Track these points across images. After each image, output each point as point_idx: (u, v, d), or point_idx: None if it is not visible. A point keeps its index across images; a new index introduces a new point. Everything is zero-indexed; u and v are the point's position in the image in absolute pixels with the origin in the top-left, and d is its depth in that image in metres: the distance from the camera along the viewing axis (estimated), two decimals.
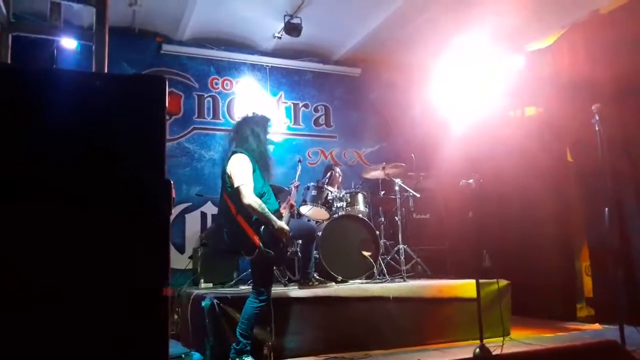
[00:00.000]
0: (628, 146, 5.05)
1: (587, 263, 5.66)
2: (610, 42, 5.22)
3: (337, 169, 5.89)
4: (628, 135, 5.01)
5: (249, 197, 3.52)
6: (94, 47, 2.61)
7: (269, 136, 3.91)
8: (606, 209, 3.90)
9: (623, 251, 4.84)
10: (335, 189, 5.58)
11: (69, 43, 3.36)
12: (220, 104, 6.64)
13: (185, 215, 6.17)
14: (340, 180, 5.84)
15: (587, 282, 5.63)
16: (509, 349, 3.55)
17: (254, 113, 4.02)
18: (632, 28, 5.00)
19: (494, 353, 3.46)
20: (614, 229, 4.09)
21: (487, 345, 3.55)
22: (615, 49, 5.14)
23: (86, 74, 2.06)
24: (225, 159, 3.81)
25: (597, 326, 5.09)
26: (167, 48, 6.39)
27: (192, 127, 6.44)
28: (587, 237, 5.64)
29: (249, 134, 3.80)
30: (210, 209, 6.24)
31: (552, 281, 5.72)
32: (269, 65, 6.90)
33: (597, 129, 3.96)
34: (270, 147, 3.94)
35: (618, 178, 4.86)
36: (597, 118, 3.96)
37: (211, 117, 6.57)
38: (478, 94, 6.23)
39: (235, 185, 3.56)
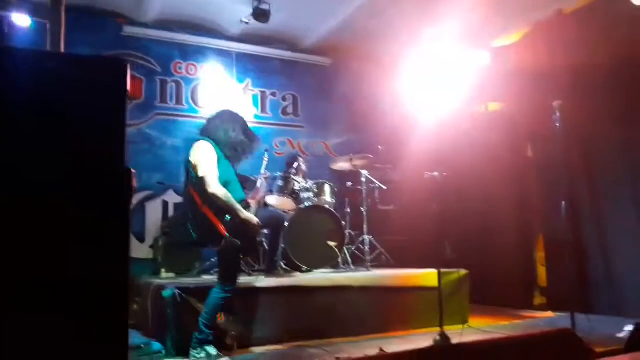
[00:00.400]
0: (586, 142, 5.21)
1: (542, 254, 5.85)
2: (571, 41, 5.35)
3: (301, 159, 5.86)
4: (586, 132, 5.16)
5: (214, 187, 3.46)
6: (48, 26, 2.48)
7: (241, 138, 3.84)
8: (563, 202, 4.03)
9: (576, 243, 5.02)
10: (306, 180, 5.57)
11: (21, 20, 3.19)
12: (184, 89, 6.48)
13: (146, 204, 6.02)
14: (304, 170, 5.82)
15: (542, 272, 5.83)
16: (468, 336, 3.63)
17: (230, 111, 3.94)
18: (593, 28, 5.14)
19: (453, 340, 3.53)
20: (569, 222, 4.23)
21: (447, 332, 3.63)
22: (576, 48, 5.27)
23: (40, 53, 1.95)
24: (189, 147, 3.74)
25: (550, 314, 5.29)
26: (128, 30, 6.18)
27: (154, 113, 6.27)
28: (542, 229, 5.82)
29: (220, 127, 3.74)
30: (172, 197, 6.12)
31: (510, 271, 5.89)
32: (236, 51, 6.77)
33: (557, 125, 4.07)
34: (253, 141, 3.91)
35: (574, 173, 5.04)
36: (558, 114, 4.07)
37: (174, 102, 6.40)
38: (444, 88, 6.29)
39: (200, 175, 3.50)
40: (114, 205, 1.54)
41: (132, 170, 1.60)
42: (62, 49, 2.46)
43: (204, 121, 3.94)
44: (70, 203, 1.50)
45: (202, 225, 3.54)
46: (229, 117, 3.86)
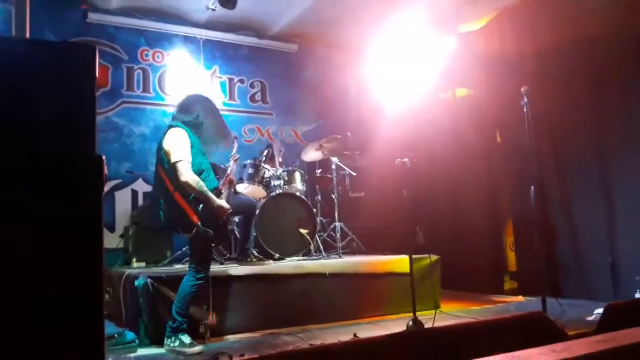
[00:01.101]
0: (553, 127, 5.31)
1: (511, 238, 5.96)
2: (537, 26, 5.42)
3: (277, 146, 5.82)
4: (553, 117, 5.27)
5: (187, 175, 3.41)
6: (13, 11, 2.39)
7: (213, 122, 3.79)
8: (532, 187, 4.11)
9: (545, 227, 5.14)
10: (277, 167, 5.54)
11: None
12: (151, 76, 6.36)
13: (115, 193, 5.91)
14: (281, 157, 5.78)
15: (511, 257, 5.94)
16: (440, 321, 3.69)
17: (204, 96, 3.88)
18: (559, 13, 5.22)
19: (426, 325, 3.59)
20: (538, 207, 4.32)
21: (420, 318, 3.69)
22: (542, 33, 5.35)
23: (5, 39, 1.87)
24: (162, 133, 3.67)
25: (520, 298, 5.40)
26: (93, 17, 6.01)
27: (120, 101, 6.14)
28: (511, 214, 5.93)
29: (192, 113, 3.67)
30: (141, 186, 6.02)
31: (480, 256, 5.97)
32: (203, 37, 6.67)
33: (524, 110, 4.13)
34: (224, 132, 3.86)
35: (541, 158, 5.14)
36: (525, 100, 4.14)
37: (141, 90, 6.28)
38: (411, 74, 6.33)
39: (172, 161, 3.44)
40: (87, 193, 1.50)
41: (103, 157, 1.56)
42: (28, 36, 2.37)
43: (176, 106, 3.87)
44: (41, 190, 1.46)
45: (173, 211, 3.50)
46: (201, 102, 3.80)
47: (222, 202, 3.59)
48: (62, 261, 1.46)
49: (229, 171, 4.15)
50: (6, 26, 2.62)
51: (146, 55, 6.35)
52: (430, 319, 3.72)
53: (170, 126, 3.63)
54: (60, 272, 1.45)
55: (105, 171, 1.60)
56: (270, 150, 5.72)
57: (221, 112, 6.47)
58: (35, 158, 1.47)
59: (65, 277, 1.45)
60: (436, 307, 4.51)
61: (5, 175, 1.45)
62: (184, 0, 6.13)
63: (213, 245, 3.83)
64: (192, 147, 3.54)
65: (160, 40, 6.44)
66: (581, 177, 5.11)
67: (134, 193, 6.02)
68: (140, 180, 5.99)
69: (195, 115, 3.68)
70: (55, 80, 1.52)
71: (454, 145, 6.16)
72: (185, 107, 3.74)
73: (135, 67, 6.27)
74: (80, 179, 1.50)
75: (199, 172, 3.51)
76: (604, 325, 2.84)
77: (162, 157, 3.54)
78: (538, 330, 2.39)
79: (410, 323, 3.64)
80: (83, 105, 1.53)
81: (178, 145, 3.49)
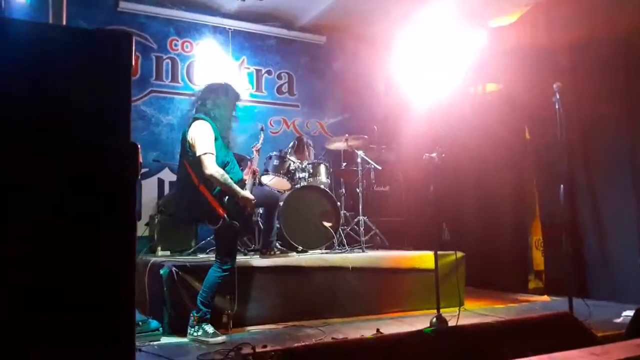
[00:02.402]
0: (585, 124, 5.18)
1: (537, 237, 5.85)
2: (571, 21, 5.29)
3: (305, 140, 5.81)
4: (585, 113, 5.14)
5: (212, 168, 3.43)
6: (50, 1, 2.42)
7: (233, 112, 3.78)
8: (561, 186, 4.01)
9: (573, 226, 5.03)
10: (306, 159, 5.54)
11: None
12: (180, 66, 6.40)
13: (142, 182, 5.98)
14: (309, 151, 5.76)
15: (537, 256, 5.83)
16: (464, 319, 3.64)
17: (225, 83, 3.86)
18: (593, 7, 5.08)
19: (450, 323, 3.55)
20: (566, 205, 4.22)
21: (444, 315, 3.64)
22: (575, 28, 5.22)
23: (43, 25, 1.88)
24: (186, 125, 3.69)
25: (545, 298, 5.31)
26: (124, 5, 6.07)
27: (149, 90, 6.20)
28: (539, 212, 5.82)
29: (214, 102, 3.67)
30: (167, 175, 6.08)
31: (505, 254, 5.88)
32: (232, 28, 6.67)
33: (556, 107, 4.03)
34: (235, 120, 3.84)
35: (571, 155, 5.02)
36: (558, 97, 4.03)
37: (170, 80, 6.33)
38: (441, 67, 6.24)
39: (198, 154, 3.46)
40: (123, 181, 1.51)
41: (138, 146, 1.57)
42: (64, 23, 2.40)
43: (196, 97, 3.86)
44: (78, 179, 1.47)
45: (199, 204, 3.52)
46: (216, 91, 3.77)
47: (247, 193, 3.60)
48: (97, 249, 1.47)
49: (252, 162, 4.16)
50: (39, 16, 2.64)
51: (175, 45, 6.39)
52: (454, 317, 3.66)
53: (195, 118, 3.64)
54: (95, 261, 1.47)
55: (140, 159, 1.61)
56: (297, 142, 5.71)
57: (248, 104, 6.60)
58: (73, 146, 1.48)
59: (100, 266, 1.47)
60: (460, 304, 4.45)
61: (44, 163, 1.46)
62: None
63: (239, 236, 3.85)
64: (216, 139, 3.54)
65: (190, 30, 6.47)
66: (612, 174, 4.99)
67: (160, 182, 6.09)
68: (166, 169, 6.05)
69: (217, 106, 3.68)
70: (92, 67, 1.52)
71: (483, 140, 6.06)
72: (204, 98, 3.74)
73: (164, 56, 6.32)
74: (117, 166, 1.51)
75: (223, 165, 3.52)
76: (634, 328, 2.76)
77: (187, 150, 3.56)
78: (567, 331, 2.33)
79: (434, 320, 3.59)
80: (120, 93, 1.54)
81: (203, 138, 3.50)
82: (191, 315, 3.58)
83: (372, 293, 4.61)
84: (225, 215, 3.44)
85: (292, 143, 5.73)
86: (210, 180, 3.45)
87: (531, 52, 5.70)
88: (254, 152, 4.31)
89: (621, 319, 3.81)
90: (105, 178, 1.51)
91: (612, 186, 4.98)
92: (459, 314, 3.73)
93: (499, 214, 6.03)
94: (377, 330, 3.57)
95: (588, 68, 5.04)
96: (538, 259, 5.80)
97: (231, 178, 3.52)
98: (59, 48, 1.50)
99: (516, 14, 6.06)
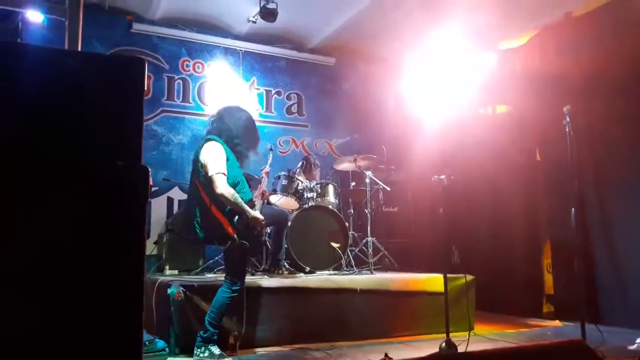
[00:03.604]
0: (596, 147, 5.16)
1: (548, 260, 5.77)
2: (581, 44, 5.31)
3: (312, 160, 5.83)
4: (595, 136, 5.12)
5: (222, 187, 3.44)
6: (66, 23, 2.46)
7: (247, 138, 3.81)
8: (572, 209, 3.97)
9: (585, 250, 4.96)
10: (313, 179, 5.56)
11: (35, 16, 3.18)
12: (191, 87, 6.48)
13: (151, 200, 6.01)
14: (317, 171, 5.78)
15: (548, 279, 5.75)
16: (474, 344, 3.60)
17: (237, 107, 3.91)
18: (603, 31, 5.10)
19: (459, 348, 3.50)
20: (578, 228, 4.17)
21: (453, 339, 3.60)
22: (586, 51, 5.23)
23: (58, 51, 1.92)
24: (198, 146, 3.72)
25: (557, 323, 5.22)
26: (137, 27, 6.18)
27: (160, 110, 6.27)
28: (549, 235, 5.76)
29: (227, 127, 3.71)
30: (177, 194, 6.11)
31: (516, 278, 5.80)
32: (243, 49, 6.76)
33: (567, 130, 4.01)
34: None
35: (583, 178, 4.98)
36: (568, 119, 4.02)
37: (181, 100, 6.40)
38: (450, 89, 6.27)
39: (209, 175, 3.48)
40: (134, 202, 1.53)
41: (149, 169, 1.58)
42: (80, 47, 2.44)
43: (211, 117, 3.91)
44: (90, 199, 1.48)
45: (209, 225, 3.52)
46: (233, 115, 3.82)
47: (256, 213, 3.61)
48: (102, 268, 1.48)
49: (261, 184, 4.17)
50: (54, 37, 2.70)
51: (187, 66, 6.48)
52: (464, 341, 3.62)
53: (207, 139, 3.67)
54: (104, 279, 1.48)
55: (151, 182, 1.63)
56: (305, 162, 5.73)
57: (258, 123, 6.63)
58: (86, 167, 1.50)
59: (108, 284, 1.47)
60: (470, 328, 4.40)
61: (58, 182, 1.48)
62: (226, 12, 6.24)
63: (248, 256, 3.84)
64: (227, 160, 3.57)
65: (201, 51, 6.56)
66: (623, 197, 4.93)
67: (170, 200, 6.12)
68: (176, 188, 6.09)
69: (228, 127, 3.72)
70: (106, 92, 1.55)
71: (493, 162, 6.04)
72: (219, 120, 3.78)
73: (176, 77, 6.40)
74: (128, 189, 1.53)
75: (233, 185, 3.54)
76: None
77: (199, 170, 3.58)
78: None
79: (444, 345, 3.54)
80: (132, 117, 1.56)
81: (214, 159, 3.52)
82: (198, 335, 3.55)
83: (380, 316, 4.56)
84: (235, 235, 3.45)
85: (300, 163, 5.75)
86: (220, 200, 3.46)
87: (541, 74, 5.71)
88: (264, 174, 4.32)
89: (635, 345, 3.74)
90: (117, 201, 1.52)
91: (624, 208, 4.92)
92: (468, 339, 3.68)
93: (510, 236, 5.96)
94: (386, 355, 3.51)
95: (597, 90, 5.03)
96: (549, 282, 5.70)
97: (241, 198, 3.53)
98: (74, 73, 1.53)
99: (526, 37, 6.10)
